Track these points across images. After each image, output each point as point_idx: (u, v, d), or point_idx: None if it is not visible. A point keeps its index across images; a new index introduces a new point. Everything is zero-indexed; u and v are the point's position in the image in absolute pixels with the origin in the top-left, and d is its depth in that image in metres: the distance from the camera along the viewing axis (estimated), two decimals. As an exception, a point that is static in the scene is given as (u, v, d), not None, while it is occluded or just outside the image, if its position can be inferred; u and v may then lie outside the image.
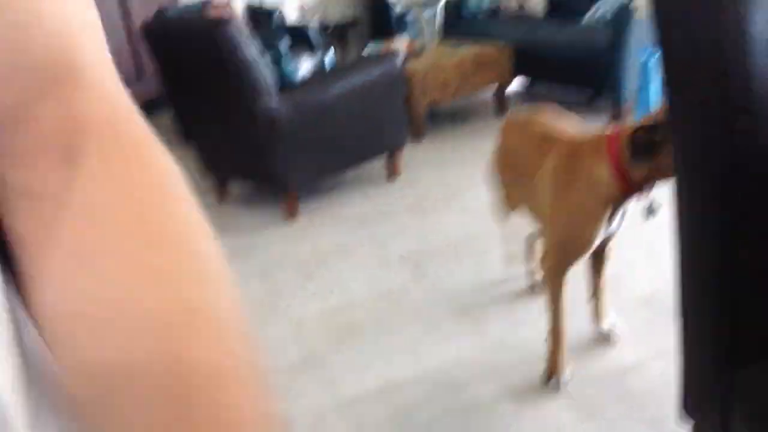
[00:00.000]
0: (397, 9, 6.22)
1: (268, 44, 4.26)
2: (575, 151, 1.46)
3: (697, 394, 0.80)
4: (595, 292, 1.71)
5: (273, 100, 2.56)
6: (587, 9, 4.04)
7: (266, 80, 2.56)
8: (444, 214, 2.63)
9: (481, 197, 2.74)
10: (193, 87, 2.80)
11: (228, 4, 5.40)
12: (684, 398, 0.85)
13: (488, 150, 3.34)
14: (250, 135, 2.64)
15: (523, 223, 1.87)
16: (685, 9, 0.59)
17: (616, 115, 3.47)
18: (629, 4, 3.41)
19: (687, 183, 0.66)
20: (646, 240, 2.14)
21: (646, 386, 1.55)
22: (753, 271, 0.60)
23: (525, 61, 3.97)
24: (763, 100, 0.58)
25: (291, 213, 2.74)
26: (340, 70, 2.91)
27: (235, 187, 3.14)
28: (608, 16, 3.67)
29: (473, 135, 3.69)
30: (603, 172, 1.37)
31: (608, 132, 1.41)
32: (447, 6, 5.04)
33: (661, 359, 1.59)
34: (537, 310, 1.75)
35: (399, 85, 2.95)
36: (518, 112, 1.52)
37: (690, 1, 0.59)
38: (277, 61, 2.80)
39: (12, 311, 0.25)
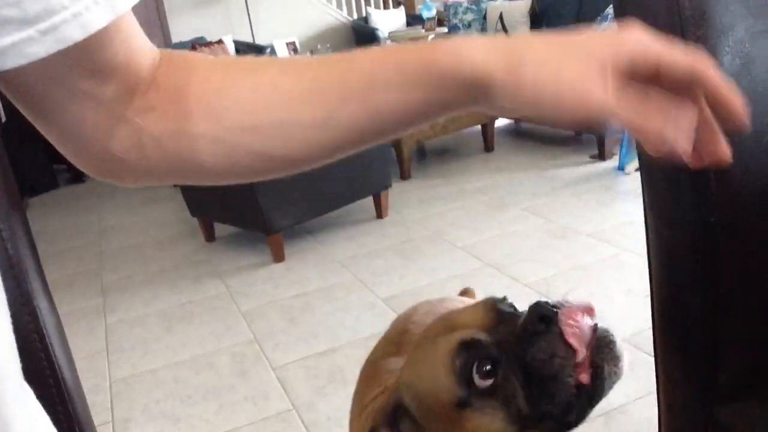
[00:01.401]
0: (386, 44, 6.30)
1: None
2: None
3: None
4: None
5: (260, 141, 2.57)
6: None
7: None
8: (430, 255, 2.62)
9: (467, 237, 2.75)
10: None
11: (220, 42, 5.47)
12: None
13: (476, 188, 3.39)
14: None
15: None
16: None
17: (601, 150, 3.50)
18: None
19: (656, 221, 0.66)
20: (626, 279, 2.14)
21: (630, 428, 1.54)
22: (732, 306, 0.60)
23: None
24: (734, 135, 0.59)
25: (277, 255, 2.73)
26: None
27: (223, 228, 3.14)
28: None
29: (461, 172, 3.71)
30: None
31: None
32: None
33: (645, 400, 1.58)
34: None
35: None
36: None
37: (657, 27, 0.59)
38: (264, 101, 2.82)
39: None
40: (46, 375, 0.59)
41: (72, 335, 2.29)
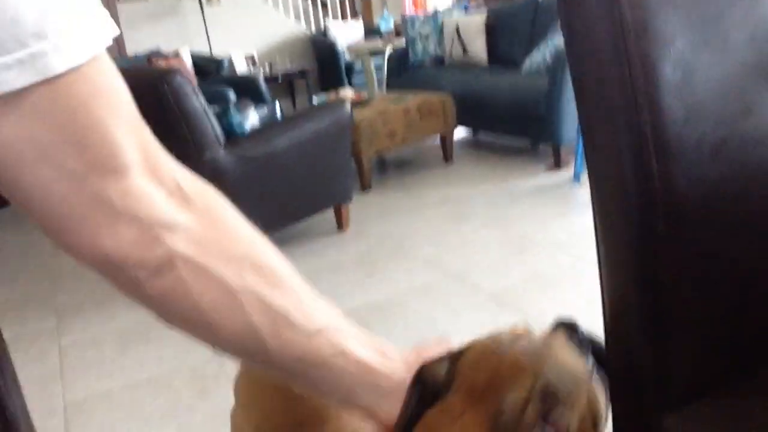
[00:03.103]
0: (346, 58, 6.33)
1: (216, 95, 4.27)
2: None
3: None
4: None
5: (219, 152, 2.54)
6: (527, 56, 4.19)
7: (212, 132, 2.54)
8: (392, 267, 2.62)
9: (428, 249, 2.76)
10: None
11: (176, 55, 5.40)
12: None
13: (436, 199, 3.41)
14: (195, 190, 2.60)
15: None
16: (596, 47, 0.60)
17: (557, 161, 3.57)
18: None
19: (605, 230, 0.66)
20: (585, 288, 2.18)
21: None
22: (679, 313, 0.61)
23: (467, 109, 4.07)
24: (676, 141, 0.60)
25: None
26: (287, 120, 2.91)
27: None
28: (548, 62, 3.80)
29: (421, 184, 3.73)
30: None
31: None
32: (393, 55, 5.16)
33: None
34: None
35: (347, 134, 2.96)
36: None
37: (599, 38, 0.60)
38: (224, 112, 2.79)
39: None
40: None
41: (24, 358, 2.22)
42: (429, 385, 0.53)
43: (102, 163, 0.38)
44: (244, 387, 0.83)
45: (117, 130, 0.38)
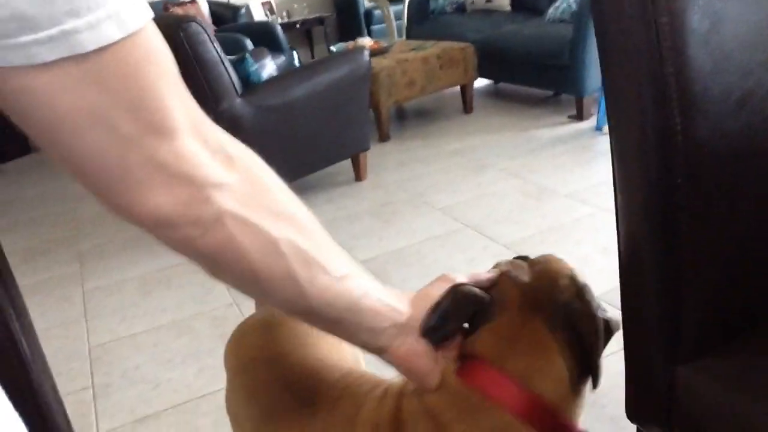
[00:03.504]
0: (365, 5, 6.20)
1: (232, 43, 4.22)
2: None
3: (639, 397, 0.81)
4: None
5: (235, 102, 2.54)
6: (552, 2, 4.07)
7: (229, 81, 2.53)
8: (409, 217, 2.63)
9: (446, 199, 2.75)
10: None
11: (193, 2, 5.32)
12: (627, 403, 0.86)
13: (455, 149, 3.38)
14: (213, 139, 2.61)
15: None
16: (619, 2, 0.59)
17: (579, 110, 3.51)
18: None
19: (624, 182, 0.66)
20: (602, 238, 2.17)
21: (604, 383, 1.58)
22: (693, 267, 0.61)
23: (489, 59, 3.98)
24: (701, 93, 0.59)
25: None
26: (305, 69, 2.88)
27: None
28: (573, 8, 3.69)
29: (439, 134, 3.70)
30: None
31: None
32: (413, 2, 5.04)
33: (617, 356, 1.62)
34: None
35: (365, 83, 2.93)
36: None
37: None
38: (240, 60, 2.77)
39: None
40: (16, 375, 0.58)
41: (49, 302, 2.29)
42: (462, 301, 0.59)
43: (155, 126, 0.39)
44: (231, 354, 0.84)
45: (167, 94, 0.40)
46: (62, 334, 2.08)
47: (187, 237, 0.44)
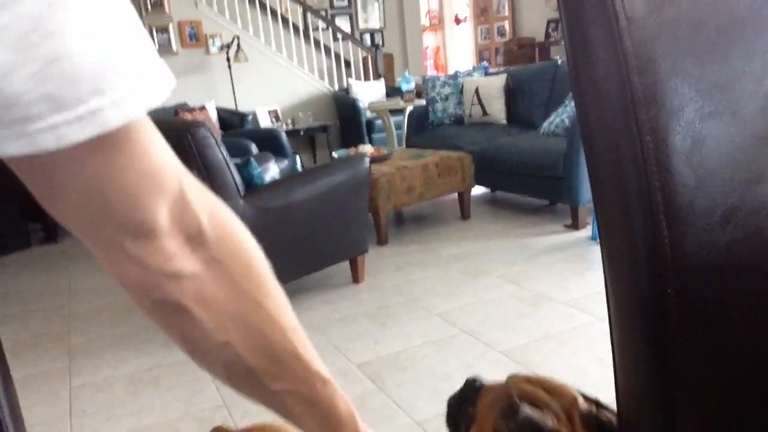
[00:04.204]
0: (367, 115, 6.46)
1: (238, 147, 4.36)
2: None
3: None
4: None
5: (238, 203, 2.59)
6: (545, 118, 4.26)
7: (233, 182, 2.60)
8: (405, 321, 2.61)
9: (443, 304, 2.75)
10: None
11: (202, 109, 5.55)
12: None
13: (452, 255, 3.42)
14: (213, 238, 2.64)
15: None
16: (605, 113, 0.62)
17: (575, 220, 3.57)
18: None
19: (615, 293, 0.67)
20: (599, 348, 2.15)
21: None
22: (688, 379, 0.61)
23: (486, 168, 4.11)
24: (687, 207, 0.61)
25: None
26: (307, 173, 2.97)
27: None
28: (567, 123, 3.85)
29: (437, 239, 3.74)
30: None
31: None
32: (413, 113, 5.26)
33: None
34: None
35: (365, 188, 3.00)
36: None
37: (608, 105, 0.62)
38: (245, 163, 2.85)
39: None
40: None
41: (35, 398, 2.23)
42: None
43: (127, 226, 0.41)
44: None
45: (148, 195, 0.41)
46: (46, 431, 2.01)
47: (137, 302, 0.46)
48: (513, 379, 0.65)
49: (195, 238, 0.44)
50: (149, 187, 0.41)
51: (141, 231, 0.41)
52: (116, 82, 0.35)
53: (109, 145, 0.37)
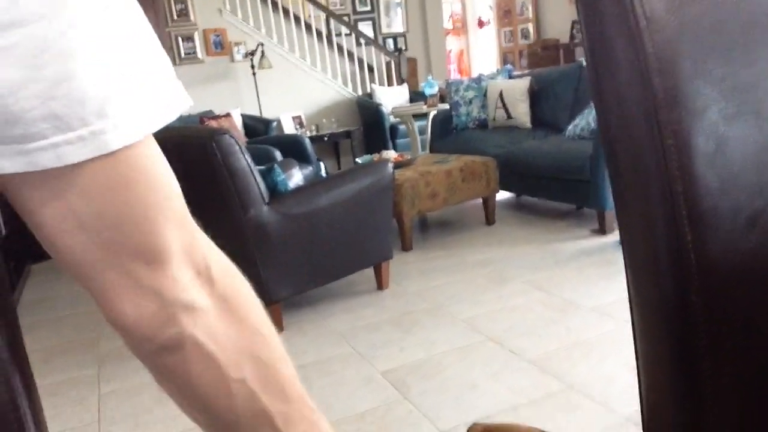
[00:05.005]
0: (391, 120, 6.47)
1: (263, 154, 4.40)
2: None
3: None
4: None
5: (262, 209, 2.61)
6: (570, 121, 4.21)
7: (257, 189, 2.62)
8: (430, 328, 2.60)
9: (468, 310, 2.73)
10: (188, 194, 2.85)
11: (227, 116, 5.62)
12: None
13: (477, 260, 3.39)
14: (238, 244, 2.66)
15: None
16: (627, 117, 0.61)
17: (602, 225, 3.52)
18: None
19: (638, 297, 0.66)
20: (627, 354, 2.11)
21: None
22: (713, 385, 0.59)
23: (511, 173, 4.08)
24: (711, 211, 0.59)
25: (275, 325, 2.70)
26: (331, 179, 2.98)
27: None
28: (592, 126, 3.80)
29: (462, 245, 3.72)
30: None
31: None
32: (437, 118, 5.24)
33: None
34: None
35: (389, 193, 3.00)
36: None
37: (630, 108, 0.61)
38: (269, 170, 2.87)
39: None
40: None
41: (63, 405, 2.26)
42: None
43: (140, 252, 0.40)
44: None
45: (158, 217, 0.40)
46: (73, 440, 2.04)
47: (140, 348, 0.44)
48: (473, 430, 0.64)
49: (203, 272, 0.44)
50: (158, 210, 0.40)
51: (155, 256, 0.40)
52: (121, 105, 0.35)
53: (112, 166, 0.37)
